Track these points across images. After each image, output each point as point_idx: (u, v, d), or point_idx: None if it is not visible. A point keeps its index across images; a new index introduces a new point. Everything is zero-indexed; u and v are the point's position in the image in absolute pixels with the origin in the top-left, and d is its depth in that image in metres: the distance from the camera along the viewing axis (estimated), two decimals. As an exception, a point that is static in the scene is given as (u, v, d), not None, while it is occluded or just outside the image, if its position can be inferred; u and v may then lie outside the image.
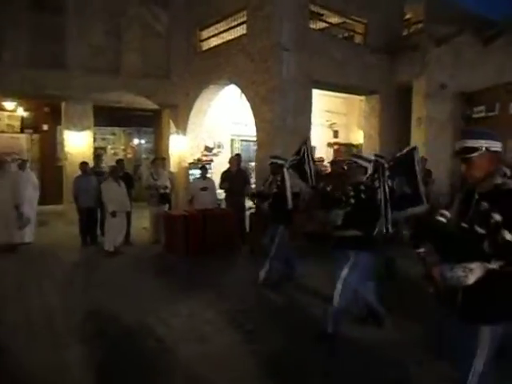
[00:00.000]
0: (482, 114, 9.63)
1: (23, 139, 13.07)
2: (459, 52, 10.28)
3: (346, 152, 13.99)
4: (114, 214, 7.77)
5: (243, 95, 10.69)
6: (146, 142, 15.45)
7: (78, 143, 11.45)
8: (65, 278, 6.53)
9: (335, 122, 14.84)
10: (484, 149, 2.30)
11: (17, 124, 13.00)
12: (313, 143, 11.27)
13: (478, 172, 2.35)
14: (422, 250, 2.54)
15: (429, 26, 10.89)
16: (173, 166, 12.71)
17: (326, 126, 14.64)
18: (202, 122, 12.78)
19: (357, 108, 14.12)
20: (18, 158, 8.84)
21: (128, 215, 8.47)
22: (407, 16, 12.43)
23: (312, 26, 10.45)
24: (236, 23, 10.82)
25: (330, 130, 14.84)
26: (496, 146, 2.34)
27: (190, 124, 12.68)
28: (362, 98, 12.09)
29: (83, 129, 11.53)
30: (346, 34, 11.96)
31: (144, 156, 15.27)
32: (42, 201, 9.77)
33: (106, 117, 13.25)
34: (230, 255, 7.84)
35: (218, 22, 11.55)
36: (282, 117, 9.46)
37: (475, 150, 2.31)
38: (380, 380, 3.50)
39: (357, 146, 14.39)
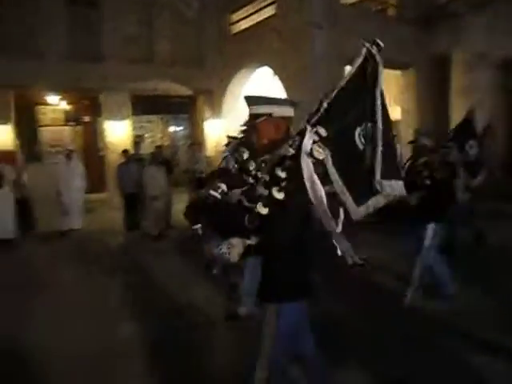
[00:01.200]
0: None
1: (67, 131, 13.64)
2: (497, 19, 9.80)
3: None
4: (155, 199, 8.06)
5: (276, 76, 10.68)
6: (183, 129, 15.74)
7: (117, 133, 11.88)
8: (113, 260, 6.89)
9: (371, 98, 14.56)
10: (270, 115, 2.15)
11: (61, 117, 13.56)
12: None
13: (263, 139, 2.18)
14: (198, 226, 2.43)
15: (466, -8, 10.42)
16: (209, 150, 12.94)
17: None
18: (236, 106, 12.87)
19: (393, 83, 13.75)
20: (66, 149, 9.23)
21: (169, 199, 8.76)
22: (443, -17, 11.91)
23: (344, 0, 10.26)
24: (266, 3, 10.77)
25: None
26: (284, 112, 2.18)
27: (225, 108, 12.83)
28: (398, 72, 11.80)
29: (122, 118, 11.93)
30: (380, 7, 11.66)
31: (181, 142, 15.57)
32: (87, 189, 10.23)
33: (143, 105, 13.59)
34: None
35: (248, 3, 11.54)
36: (315, 95, 9.40)
37: (260, 116, 2.16)
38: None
39: (394, 122, 14.07)
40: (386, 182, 2.04)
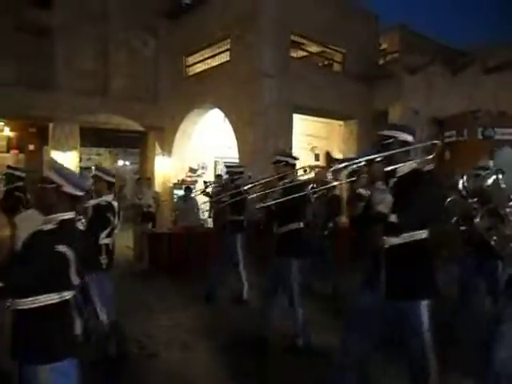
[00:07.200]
0: (453, 139, 10.19)
1: (9, 159, 13.17)
2: (431, 81, 10.92)
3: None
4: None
5: (226, 119, 11.10)
6: (132, 163, 15.67)
7: (64, 163, 11.63)
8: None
9: (316, 145, 15.29)
10: None
11: (3, 144, 13.13)
12: (294, 165, 11.67)
13: None
14: None
15: (403, 56, 11.57)
16: (158, 186, 12.96)
17: (308, 149, 15.07)
18: (187, 144, 13.13)
19: (337, 132, 14.62)
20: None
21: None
22: (383, 46, 13.14)
23: (293, 54, 11.01)
24: (220, 50, 11.33)
25: (311, 153, 15.27)
26: None
27: (175, 146, 13.02)
28: (341, 122, 12.62)
29: (70, 149, 11.77)
30: (326, 62, 12.59)
31: (128, 176, 15.45)
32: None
33: (93, 137, 13.48)
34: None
35: (203, 48, 12.07)
36: (264, 139, 9.86)
37: None
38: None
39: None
40: None
